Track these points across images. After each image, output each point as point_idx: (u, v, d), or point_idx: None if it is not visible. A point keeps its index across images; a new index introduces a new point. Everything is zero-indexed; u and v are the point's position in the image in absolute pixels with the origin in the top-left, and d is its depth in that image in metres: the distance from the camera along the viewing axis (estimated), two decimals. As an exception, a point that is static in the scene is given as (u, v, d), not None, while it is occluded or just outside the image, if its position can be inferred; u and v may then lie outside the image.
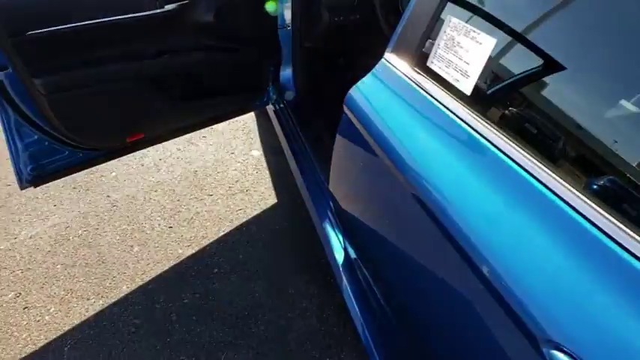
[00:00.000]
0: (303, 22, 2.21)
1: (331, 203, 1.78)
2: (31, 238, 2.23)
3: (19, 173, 1.86)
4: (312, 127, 2.33)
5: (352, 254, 1.55)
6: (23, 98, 1.71)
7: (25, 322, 1.84)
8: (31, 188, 1.87)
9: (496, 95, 0.86)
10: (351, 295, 1.48)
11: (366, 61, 2.77)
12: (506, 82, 0.86)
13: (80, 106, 1.79)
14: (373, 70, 1.20)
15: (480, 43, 0.87)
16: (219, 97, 2.18)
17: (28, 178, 1.89)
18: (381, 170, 1.10)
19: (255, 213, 2.35)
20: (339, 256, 1.62)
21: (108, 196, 2.47)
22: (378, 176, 1.17)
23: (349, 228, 1.55)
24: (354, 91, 1.21)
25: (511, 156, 0.78)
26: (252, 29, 2.12)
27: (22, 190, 1.89)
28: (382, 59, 1.19)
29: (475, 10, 0.96)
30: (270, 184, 2.54)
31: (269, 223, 2.29)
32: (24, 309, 1.89)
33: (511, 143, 0.79)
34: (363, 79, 1.21)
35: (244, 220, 2.31)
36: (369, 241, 1.36)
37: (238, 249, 2.14)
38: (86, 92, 1.77)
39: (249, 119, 3.09)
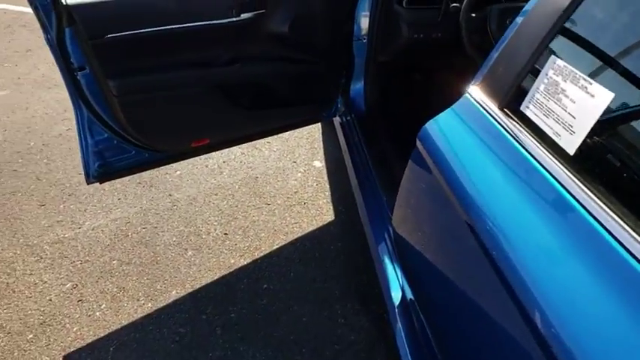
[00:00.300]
0: (379, 35, 2.10)
1: (392, 233, 1.66)
2: (93, 229, 2.29)
3: (86, 168, 1.89)
4: (379, 145, 2.21)
5: (410, 295, 1.43)
6: (97, 98, 1.73)
7: (77, 315, 1.88)
8: None
9: (609, 161, 0.72)
10: (404, 341, 1.36)
11: (443, 78, 2.62)
12: (623, 148, 0.71)
13: (149, 109, 1.79)
14: (454, 105, 1.07)
15: (593, 96, 0.72)
16: (288, 108, 2.12)
17: (95, 174, 1.92)
18: (453, 218, 0.97)
19: (310, 228, 2.27)
20: (395, 295, 1.50)
21: (170, 195, 2.49)
22: (448, 223, 1.04)
23: (409, 267, 1.42)
24: (431, 126, 1.09)
25: (618, 238, 0.64)
26: (327, 41, 2.04)
27: (88, 184, 1.92)
28: (465, 94, 1.06)
29: (588, 50, 0.81)
30: (329, 199, 2.46)
31: (324, 242, 2.20)
32: (78, 301, 1.93)
33: (619, 221, 0.65)
34: (442, 114, 1.08)
35: (299, 234, 2.24)
36: (430, 288, 1.24)
37: (290, 266, 2.08)
38: (156, 96, 1.77)
39: (314, 128, 3.02)
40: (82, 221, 2.34)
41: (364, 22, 2.14)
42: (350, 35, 2.14)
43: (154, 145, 1.91)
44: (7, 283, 2.03)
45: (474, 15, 1.86)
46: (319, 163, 2.71)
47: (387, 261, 1.61)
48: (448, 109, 1.07)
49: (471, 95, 1.04)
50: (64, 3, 1.49)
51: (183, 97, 1.82)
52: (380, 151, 2.17)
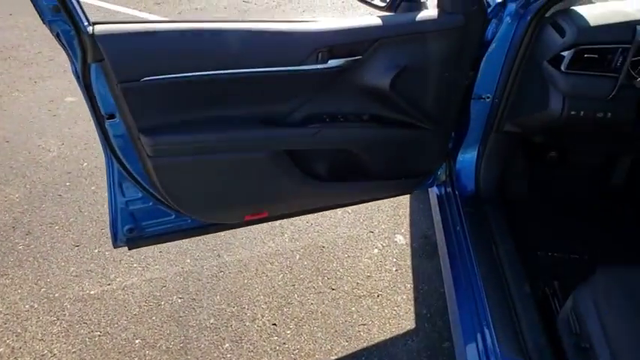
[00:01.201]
0: (512, 98, 1.54)
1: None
2: (123, 289, 1.92)
3: (114, 229, 1.52)
4: (491, 241, 1.64)
5: None
6: (129, 153, 1.34)
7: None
8: None
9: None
10: None
11: (591, 160, 1.99)
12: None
13: (192, 176, 1.37)
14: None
15: None
16: (376, 181, 1.62)
17: (123, 239, 1.54)
18: None
19: (381, 337, 1.74)
20: None
21: (218, 256, 2.07)
22: None
23: None
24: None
25: None
26: (439, 100, 1.52)
27: (114, 248, 1.55)
28: None
29: None
30: (411, 295, 1.91)
31: (398, 361, 1.67)
32: (82, 395, 1.55)
33: None
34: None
35: (365, 343, 1.72)
36: None
37: (349, 394, 1.56)
38: (203, 159, 1.34)
39: (401, 188, 2.49)
40: (113, 275, 1.99)
41: (492, 77, 1.60)
42: (468, 91, 1.61)
43: (196, 216, 1.49)
44: (13, 348, 1.70)
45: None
46: (402, 239, 2.18)
47: None
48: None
49: None
50: (91, 31, 1.10)
51: (238, 162, 1.38)
52: (491, 251, 1.61)
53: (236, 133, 1.32)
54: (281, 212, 1.62)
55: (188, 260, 2.05)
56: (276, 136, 1.36)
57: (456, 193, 1.85)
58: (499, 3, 1.55)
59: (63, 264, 2.05)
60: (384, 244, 2.14)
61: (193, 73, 1.21)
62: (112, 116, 1.26)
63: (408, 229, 2.23)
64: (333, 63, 1.33)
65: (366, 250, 2.11)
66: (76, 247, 2.13)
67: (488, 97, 1.62)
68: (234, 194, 1.46)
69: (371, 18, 1.36)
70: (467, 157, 1.84)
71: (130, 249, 1.56)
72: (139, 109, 1.22)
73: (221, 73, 1.24)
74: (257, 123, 1.34)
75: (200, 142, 1.29)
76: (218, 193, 1.44)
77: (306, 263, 2.04)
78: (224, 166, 1.37)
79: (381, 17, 1.36)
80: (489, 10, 1.51)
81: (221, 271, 2.00)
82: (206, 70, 1.22)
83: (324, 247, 2.12)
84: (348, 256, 2.08)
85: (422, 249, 2.12)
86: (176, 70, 1.19)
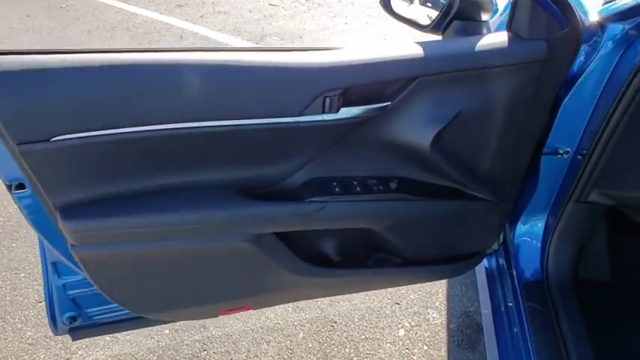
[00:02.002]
0: (604, 159, 1.09)
1: None
2: (82, 369, 1.54)
3: (52, 316, 1.14)
4: (558, 344, 1.20)
5: None
6: (52, 230, 0.96)
7: None
8: None
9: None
10: None
11: None
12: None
13: (135, 269, 0.97)
14: None
15: None
16: (405, 268, 1.18)
17: (64, 328, 1.16)
18: None
19: None
20: None
21: (204, 327, 1.67)
22: None
23: None
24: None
25: None
26: (501, 160, 1.08)
27: (55, 335, 1.18)
28: None
29: None
30: (446, 403, 1.45)
31: None
32: None
33: None
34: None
35: None
36: None
37: None
38: (151, 249, 0.94)
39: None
40: (75, 347, 1.61)
41: (575, 126, 1.14)
42: (540, 145, 1.16)
43: (149, 316, 1.08)
44: None
45: None
46: (436, 316, 1.72)
47: None
48: None
49: None
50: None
51: (202, 252, 0.97)
52: (553, 341, 1.18)
53: (199, 210, 0.91)
54: (273, 303, 1.20)
55: (167, 331, 1.65)
56: (260, 214, 0.94)
57: (514, 273, 1.39)
58: (594, 24, 1.08)
59: (20, 326, 1.68)
60: (413, 323, 1.69)
61: (133, 129, 0.80)
62: (20, 186, 0.87)
63: (444, 303, 1.77)
64: (347, 113, 0.90)
65: (389, 331, 1.66)
66: (39, 304, 1.77)
67: (567, 153, 1.16)
68: (199, 291, 1.04)
69: (406, 46, 0.92)
70: (530, 228, 1.38)
71: (73, 340, 1.18)
72: (51, 180, 0.82)
73: (178, 128, 0.83)
74: (231, 195, 0.93)
75: (145, 225, 0.88)
76: (176, 290, 1.03)
77: (311, 345, 1.60)
78: (181, 257, 0.96)
79: (423, 45, 0.92)
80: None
81: (204, 349, 1.59)
82: (153, 123, 0.81)
83: (335, 322, 1.69)
84: (366, 338, 1.63)
85: (461, 333, 1.65)
86: (106, 123, 0.79)
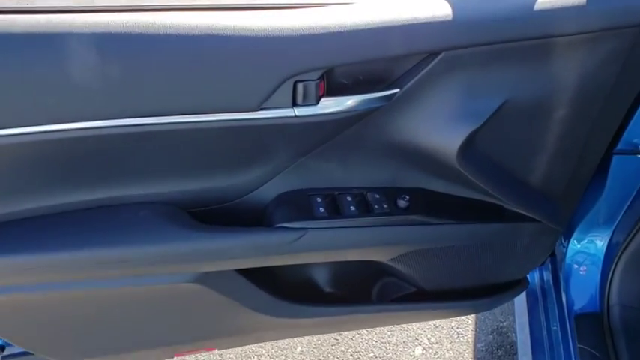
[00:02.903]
0: None
1: None
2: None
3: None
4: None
5: None
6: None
7: None
8: None
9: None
10: None
11: None
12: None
13: (46, 314, 0.72)
14: None
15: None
16: (421, 304, 0.89)
17: (-5, 358, 0.94)
18: None
19: None
20: None
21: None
22: None
23: None
24: None
25: None
26: (563, 164, 0.77)
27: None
28: None
29: None
30: None
31: None
32: None
33: None
34: None
35: None
36: None
37: None
38: (69, 293, 0.69)
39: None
40: None
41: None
42: (613, 140, 0.83)
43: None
44: None
45: None
46: (462, 332, 1.44)
47: None
48: None
49: None
50: None
51: (133, 295, 0.71)
52: None
53: (122, 244, 0.64)
54: (247, 344, 0.94)
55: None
56: (208, 249, 0.66)
57: (563, 299, 1.10)
58: None
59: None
60: (433, 339, 1.42)
61: (29, 129, 0.54)
62: None
63: (472, 315, 1.48)
64: (332, 105, 0.60)
65: (403, 348, 1.39)
66: None
67: (646, 153, 0.83)
68: (138, 337, 0.79)
69: (426, 4, 0.60)
70: (588, 245, 1.07)
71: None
72: None
73: (83, 128, 0.56)
74: (169, 220, 0.65)
75: (57, 263, 0.62)
76: (106, 336, 0.78)
77: (310, 363, 1.36)
78: (106, 302, 0.70)
79: (451, 2, 0.60)
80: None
81: (188, 362, 1.38)
82: (48, 122, 0.55)
83: (339, 335, 1.43)
84: (375, 357, 1.37)
85: (491, 355, 1.37)
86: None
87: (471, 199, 0.78)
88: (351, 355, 1.39)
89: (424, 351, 1.39)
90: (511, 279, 0.94)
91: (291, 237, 0.67)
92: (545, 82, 0.65)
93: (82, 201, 0.63)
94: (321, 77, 0.58)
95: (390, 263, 0.79)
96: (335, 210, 0.70)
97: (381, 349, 1.40)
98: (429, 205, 0.74)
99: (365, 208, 0.71)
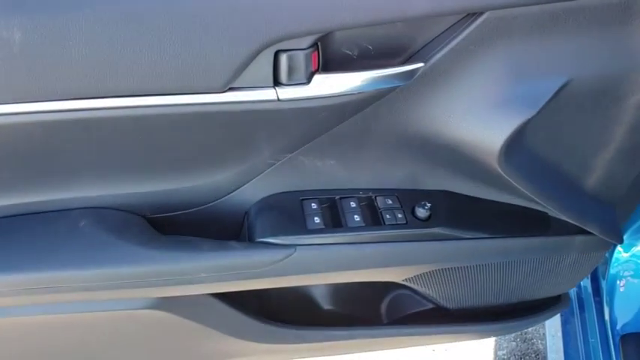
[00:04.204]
0: None
1: None
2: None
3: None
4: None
5: None
6: None
7: None
8: None
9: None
10: None
11: None
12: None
13: None
14: None
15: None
16: (437, 326, 0.74)
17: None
18: None
19: None
20: None
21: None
22: None
23: None
24: None
25: None
26: (631, 162, 0.59)
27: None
28: None
29: None
30: None
31: None
32: None
33: None
34: None
35: None
36: None
37: None
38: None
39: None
40: None
41: None
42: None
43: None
44: None
45: None
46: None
47: None
48: None
49: None
50: None
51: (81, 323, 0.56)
52: None
53: (58, 264, 0.49)
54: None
55: None
56: (172, 270, 0.51)
57: (605, 313, 0.95)
58: None
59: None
60: (450, 345, 1.28)
61: None
62: None
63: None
64: (331, 85, 0.44)
65: (411, 352, 1.26)
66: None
67: None
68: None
69: None
70: (637, 251, 0.90)
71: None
72: None
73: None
74: (112, 231, 0.50)
75: None
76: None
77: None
78: (47, 329, 0.56)
79: None
80: None
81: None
82: None
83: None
84: None
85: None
86: None
87: (509, 206, 0.61)
88: (359, 357, 1.26)
89: (441, 357, 1.26)
90: (549, 296, 0.78)
91: (275, 256, 0.52)
92: (624, 56, 0.48)
93: (1, 206, 0.49)
94: (314, 46, 0.42)
95: (403, 282, 0.63)
96: (334, 220, 0.55)
97: (395, 353, 1.26)
98: (456, 214, 0.58)
99: (373, 218, 0.55)
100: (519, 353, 1.26)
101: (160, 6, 0.39)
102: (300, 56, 0.41)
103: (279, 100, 0.43)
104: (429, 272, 0.61)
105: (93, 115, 0.43)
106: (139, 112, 0.43)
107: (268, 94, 0.43)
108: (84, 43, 0.39)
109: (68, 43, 0.39)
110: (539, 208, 0.62)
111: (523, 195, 0.58)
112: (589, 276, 1.05)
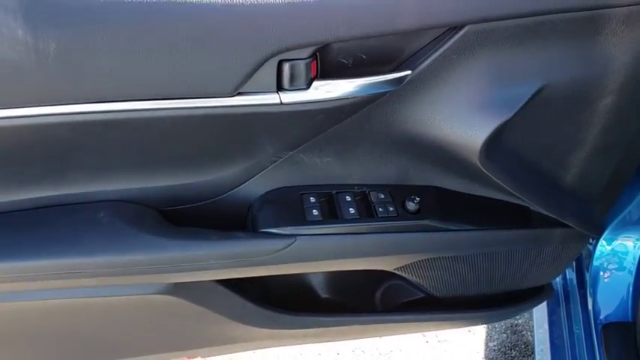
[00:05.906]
0: None
1: None
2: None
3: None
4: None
5: None
6: None
7: None
8: None
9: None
10: None
11: None
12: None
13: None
14: None
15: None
16: (427, 313, 0.79)
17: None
18: None
19: None
20: None
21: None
22: None
23: None
24: None
25: None
26: (603, 162, 0.65)
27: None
28: None
29: None
30: None
31: None
32: None
33: None
34: None
35: None
36: None
37: None
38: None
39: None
40: None
41: None
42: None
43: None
44: None
45: None
46: (472, 328, 1.35)
47: None
48: None
49: None
50: None
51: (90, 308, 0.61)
52: None
53: (73, 250, 0.54)
54: (236, 351, 0.86)
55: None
56: (182, 257, 0.56)
57: (589, 304, 1.00)
58: None
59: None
60: (440, 337, 1.33)
61: None
62: None
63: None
64: (328, 90, 0.49)
65: (402, 343, 1.31)
66: None
67: None
68: (106, 351, 0.70)
69: None
70: (620, 247, 0.96)
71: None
72: None
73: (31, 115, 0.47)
74: (128, 222, 0.55)
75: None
76: (70, 353, 0.69)
77: None
78: (67, 314, 0.61)
79: None
80: None
81: None
82: None
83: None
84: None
85: (504, 355, 1.28)
86: None
87: (492, 200, 0.66)
88: (353, 350, 1.31)
89: (433, 349, 1.31)
90: (532, 286, 0.84)
91: (277, 245, 0.57)
92: (592, 63, 0.53)
93: (27, 199, 0.54)
94: (313, 56, 0.47)
95: (395, 271, 0.68)
96: (331, 212, 0.60)
97: (387, 344, 1.31)
98: (444, 208, 0.63)
99: (367, 211, 0.61)
100: (510, 344, 1.31)
101: (179, 22, 0.44)
102: (301, 65, 0.46)
103: (281, 103, 0.48)
104: (419, 261, 0.66)
105: (115, 116, 0.48)
106: (157, 114, 0.48)
107: (272, 98, 0.48)
108: (110, 53, 0.44)
109: (95, 53, 0.44)
110: (521, 202, 0.67)
111: (504, 190, 0.63)
112: (574, 268, 1.11)
